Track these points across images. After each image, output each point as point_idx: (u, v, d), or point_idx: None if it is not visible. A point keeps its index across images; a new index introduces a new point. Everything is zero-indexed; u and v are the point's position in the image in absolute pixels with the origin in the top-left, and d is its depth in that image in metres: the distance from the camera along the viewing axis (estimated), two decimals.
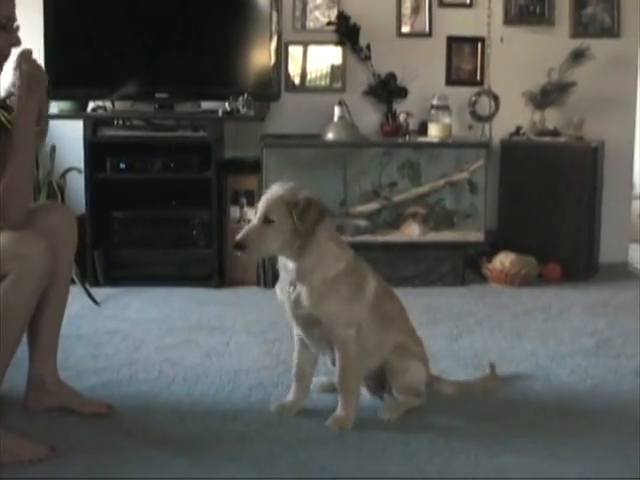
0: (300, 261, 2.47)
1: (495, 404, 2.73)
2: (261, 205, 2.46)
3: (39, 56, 4.22)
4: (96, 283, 4.29)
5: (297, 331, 2.61)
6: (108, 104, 4.50)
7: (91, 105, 4.48)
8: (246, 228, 2.45)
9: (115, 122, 4.36)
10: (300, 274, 2.48)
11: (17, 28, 2.38)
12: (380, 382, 2.71)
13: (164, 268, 4.40)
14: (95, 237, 4.32)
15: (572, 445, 2.41)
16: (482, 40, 4.79)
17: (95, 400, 2.66)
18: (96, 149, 4.30)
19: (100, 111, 4.46)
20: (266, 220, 2.43)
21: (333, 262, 2.49)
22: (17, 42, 2.39)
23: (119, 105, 4.54)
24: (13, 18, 2.37)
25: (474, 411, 2.68)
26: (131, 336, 3.48)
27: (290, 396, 2.66)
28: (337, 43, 4.73)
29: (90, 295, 3.97)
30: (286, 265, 2.51)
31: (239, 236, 2.43)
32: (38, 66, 2.39)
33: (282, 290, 2.57)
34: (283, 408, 2.63)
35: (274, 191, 2.48)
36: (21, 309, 2.29)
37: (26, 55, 2.36)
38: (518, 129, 4.76)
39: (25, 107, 2.34)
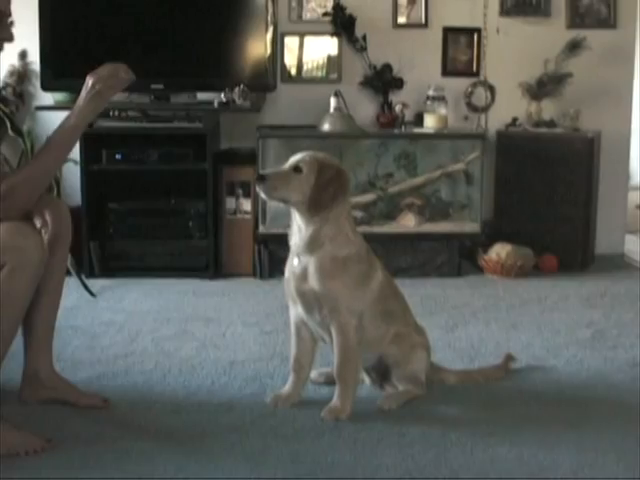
0: (315, 226, 2.47)
1: (491, 395, 2.74)
2: (294, 157, 2.51)
3: (35, 49, 4.34)
4: (92, 274, 4.28)
5: (295, 316, 2.60)
6: None
7: None
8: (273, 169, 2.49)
9: (111, 113, 4.35)
10: (310, 243, 2.48)
11: (11, 24, 2.37)
12: (382, 373, 2.71)
13: (160, 259, 4.39)
14: (91, 228, 4.32)
15: (567, 436, 2.42)
16: (478, 31, 4.77)
17: (91, 392, 2.66)
18: (92, 140, 4.27)
19: None
20: (295, 169, 2.47)
21: (345, 243, 2.50)
22: (10, 37, 2.38)
23: (114, 96, 4.50)
24: (7, 13, 2.36)
25: (470, 401, 2.68)
26: (127, 327, 3.48)
27: (286, 387, 2.66)
28: (333, 34, 4.70)
29: (86, 286, 3.97)
30: (300, 228, 2.50)
31: (264, 171, 2.45)
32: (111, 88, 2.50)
33: (289, 265, 2.57)
34: (279, 399, 2.62)
35: (311, 152, 2.52)
36: (16, 301, 2.29)
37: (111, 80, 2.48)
38: (514, 120, 4.75)
39: (81, 121, 2.40)
